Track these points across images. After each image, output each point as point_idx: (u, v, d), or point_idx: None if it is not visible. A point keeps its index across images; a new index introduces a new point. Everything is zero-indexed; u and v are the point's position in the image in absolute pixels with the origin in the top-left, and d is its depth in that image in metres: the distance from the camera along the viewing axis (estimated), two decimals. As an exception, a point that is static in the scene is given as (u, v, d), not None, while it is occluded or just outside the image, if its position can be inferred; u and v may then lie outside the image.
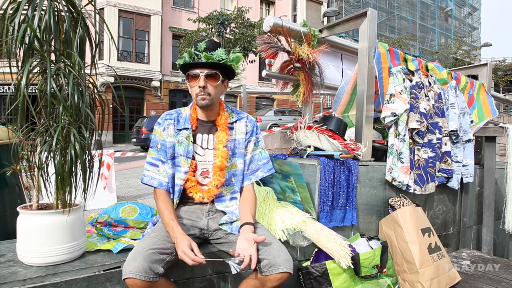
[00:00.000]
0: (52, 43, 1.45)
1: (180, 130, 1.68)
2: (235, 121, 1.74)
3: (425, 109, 2.50)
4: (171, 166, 1.65)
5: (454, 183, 2.73)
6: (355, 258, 1.86)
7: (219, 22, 13.74)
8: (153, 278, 1.32)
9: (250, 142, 1.75)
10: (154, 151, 1.68)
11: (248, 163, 1.74)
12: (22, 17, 1.37)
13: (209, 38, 1.64)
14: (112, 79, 14.19)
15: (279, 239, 1.83)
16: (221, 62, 1.59)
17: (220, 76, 1.61)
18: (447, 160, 2.65)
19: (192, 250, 1.38)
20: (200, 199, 1.66)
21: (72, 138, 1.40)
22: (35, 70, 1.45)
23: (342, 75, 3.21)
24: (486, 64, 3.50)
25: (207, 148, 1.70)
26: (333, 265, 1.86)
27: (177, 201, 1.67)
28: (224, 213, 1.68)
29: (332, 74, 3.11)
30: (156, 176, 1.65)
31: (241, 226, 1.55)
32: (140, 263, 1.31)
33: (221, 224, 1.65)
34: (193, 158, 1.68)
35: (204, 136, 1.71)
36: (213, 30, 14.12)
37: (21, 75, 1.35)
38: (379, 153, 2.53)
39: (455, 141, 2.78)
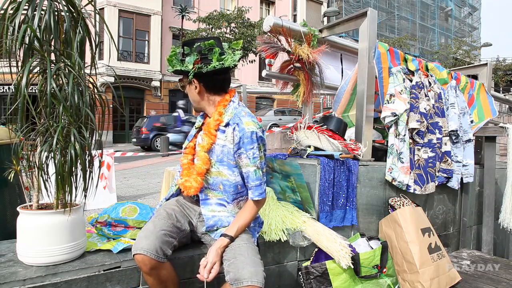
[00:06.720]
0: (52, 43, 1.45)
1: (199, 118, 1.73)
2: (226, 125, 1.53)
3: (425, 109, 2.50)
4: None
5: (454, 183, 2.73)
6: (355, 258, 1.86)
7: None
8: (161, 258, 1.36)
9: (241, 154, 1.49)
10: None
11: (246, 177, 1.53)
12: (22, 17, 1.37)
13: (185, 42, 1.61)
14: (112, 79, 14.17)
15: (279, 239, 1.83)
16: (175, 69, 1.59)
17: (184, 81, 1.62)
18: (447, 160, 2.65)
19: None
20: (181, 185, 1.60)
21: (72, 138, 1.40)
22: (35, 70, 1.45)
23: (342, 75, 3.20)
24: (486, 64, 3.50)
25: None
26: (333, 265, 1.86)
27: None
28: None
29: (332, 74, 3.10)
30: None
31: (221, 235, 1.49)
32: (152, 241, 1.35)
33: (207, 231, 1.61)
34: (196, 146, 1.66)
35: None
36: (213, 30, 14.11)
37: (21, 75, 1.35)
38: (379, 153, 2.53)
39: (455, 141, 2.78)
